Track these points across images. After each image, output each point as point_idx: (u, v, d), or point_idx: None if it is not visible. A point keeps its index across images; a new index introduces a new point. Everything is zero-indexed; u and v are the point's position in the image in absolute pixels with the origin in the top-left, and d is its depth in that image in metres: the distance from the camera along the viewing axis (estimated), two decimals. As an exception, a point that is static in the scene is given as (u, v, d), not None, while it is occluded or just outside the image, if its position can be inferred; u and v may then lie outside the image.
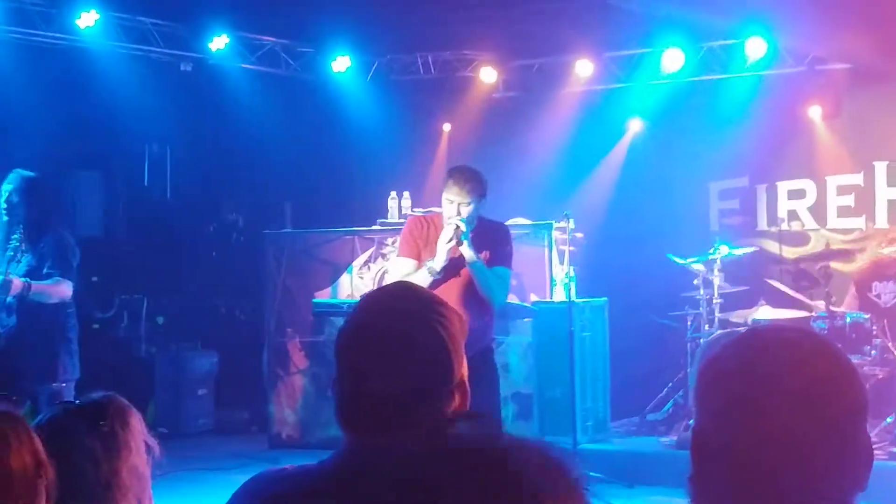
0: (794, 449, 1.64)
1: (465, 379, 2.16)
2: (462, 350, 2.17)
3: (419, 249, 6.25)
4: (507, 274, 6.31)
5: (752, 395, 1.67)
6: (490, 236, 6.28)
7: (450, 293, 6.04)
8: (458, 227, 6.01)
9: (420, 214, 6.67)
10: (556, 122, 11.32)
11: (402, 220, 10.29)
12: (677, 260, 9.55)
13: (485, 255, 6.18)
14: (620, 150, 11.41)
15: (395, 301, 2.16)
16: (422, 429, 2.02)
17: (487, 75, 11.52)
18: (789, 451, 1.64)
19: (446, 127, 11.91)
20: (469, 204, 6.05)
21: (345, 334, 2.14)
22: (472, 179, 6.11)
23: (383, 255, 10.28)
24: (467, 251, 6.06)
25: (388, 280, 6.36)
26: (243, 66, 10.75)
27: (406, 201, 10.49)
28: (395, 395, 2.05)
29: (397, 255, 6.42)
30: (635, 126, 11.38)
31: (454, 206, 6.06)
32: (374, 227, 10.42)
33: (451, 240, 6.01)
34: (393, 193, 10.50)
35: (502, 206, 10.02)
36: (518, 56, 11.55)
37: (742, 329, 1.80)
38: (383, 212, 10.46)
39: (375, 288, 2.30)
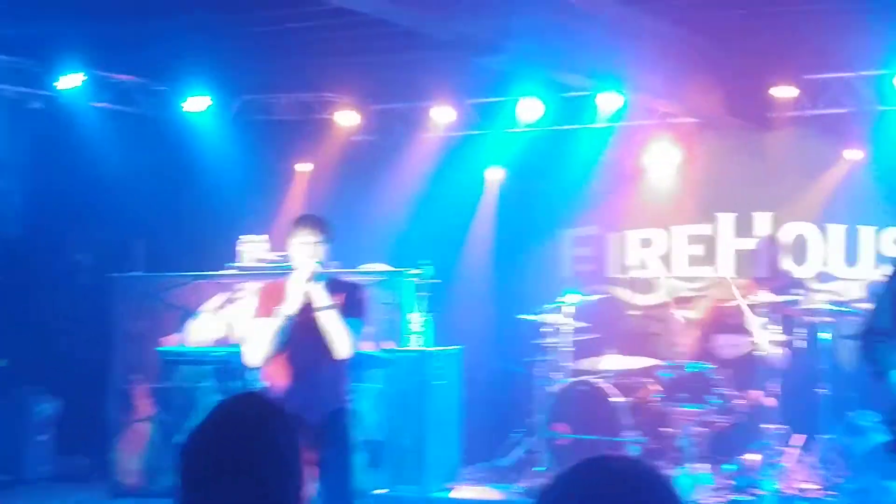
0: None
1: (306, 496, 2.14)
2: (306, 463, 2.14)
3: (274, 310, 6.12)
4: (360, 325, 6.22)
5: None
6: (343, 289, 6.25)
7: (304, 345, 6.06)
8: (312, 270, 5.99)
9: (272, 280, 6.57)
10: (415, 167, 11.36)
11: (256, 265, 10.21)
12: (527, 317, 9.68)
13: (338, 301, 6.12)
14: (478, 196, 11.49)
15: (239, 414, 2.13)
16: None
17: (347, 118, 11.52)
18: None
19: (300, 167, 11.83)
20: (320, 243, 6.08)
21: (188, 444, 2.11)
22: (318, 220, 6.22)
23: (235, 300, 10.16)
24: (320, 294, 6.02)
25: (246, 344, 6.22)
26: (94, 104, 10.53)
27: (263, 244, 10.38)
28: None
29: (254, 318, 6.29)
30: (494, 173, 11.48)
31: (306, 248, 6.07)
32: (226, 272, 10.29)
33: (303, 282, 5.97)
34: (247, 236, 10.38)
35: (360, 252, 10.05)
36: (378, 100, 11.58)
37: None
38: (237, 255, 10.33)
39: (229, 398, 2.24)
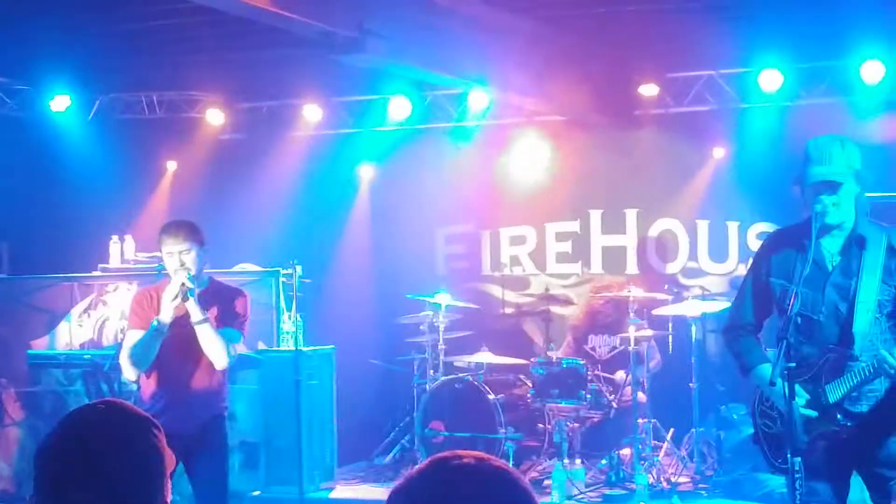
0: None
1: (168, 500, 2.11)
2: (168, 469, 2.11)
3: (149, 320, 5.96)
4: (236, 336, 6.06)
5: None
6: (222, 297, 6.11)
7: (179, 355, 5.93)
8: (183, 283, 5.81)
9: (145, 287, 6.41)
10: (285, 165, 11.28)
11: (124, 265, 10.04)
12: (402, 319, 9.73)
13: (213, 313, 5.99)
14: (350, 195, 11.46)
15: (97, 420, 2.09)
16: None
17: (214, 117, 11.37)
18: None
19: (170, 165, 11.65)
20: (189, 251, 5.89)
21: (43, 450, 2.07)
22: (184, 227, 5.99)
23: (104, 302, 9.96)
24: (193, 308, 5.85)
25: (123, 355, 6.06)
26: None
27: (129, 245, 10.22)
28: None
29: (128, 329, 6.15)
30: (366, 172, 11.46)
31: (175, 258, 5.89)
32: (94, 273, 10.08)
33: (175, 297, 5.81)
34: (115, 237, 10.20)
35: (230, 252, 9.93)
36: (246, 98, 11.46)
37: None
38: (104, 257, 10.15)
39: (86, 404, 2.20)
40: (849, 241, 4.55)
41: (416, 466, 1.88)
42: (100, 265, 10.13)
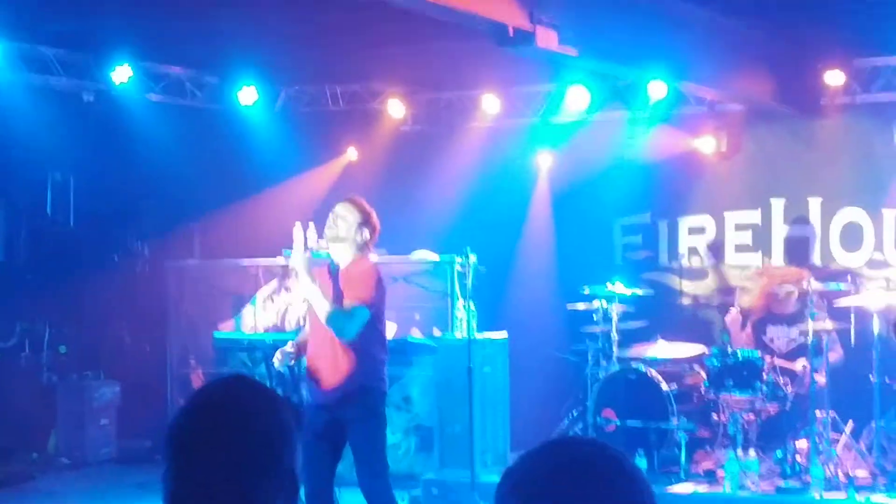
0: None
1: (295, 470, 2.21)
2: (295, 440, 2.21)
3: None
4: (359, 311, 6.26)
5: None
6: (354, 273, 6.38)
7: (320, 330, 6.29)
8: (296, 263, 6.36)
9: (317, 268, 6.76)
10: (463, 155, 11.42)
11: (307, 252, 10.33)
12: (576, 306, 9.74)
13: (345, 286, 6.30)
14: (525, 184, 11.52)
15: (224, 394, 2.21)
16: None
17: (395, 108, 11.60)
18: None
19: (350, 152, 11.91)
20: (345, 218, 6.42)
21: (174, 426, 2.18)
22: (354, 199, 6.55)
23: (287, 289, 10.29)
24: (304, 280, 6.26)
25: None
26: (147, 95, 10.70)
27: (311, 232, 10.49)
28: (217, 489, 2.09)
29: None
30: (543, 161, 11.50)
31: (331, 217, 6.47)
32: (278, 259, 10.41)
33: (291, 259, 6.42)
34: (298, 224, 10.49)
35: (407, 240, 10.15)
36: (426, 90, 11.65)
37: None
38: (288, 243, 10.44)
39: (210, 381, 2.34)
40: None
41: (532, 448, 1.87)
42: (284, 251, 10.44)
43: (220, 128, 11.26)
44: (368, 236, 6.48)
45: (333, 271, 6.46)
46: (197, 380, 10.29)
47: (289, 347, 6.52)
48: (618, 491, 1.76)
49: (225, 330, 10.25)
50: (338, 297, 6.29)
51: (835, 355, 9.18)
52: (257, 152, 11.35)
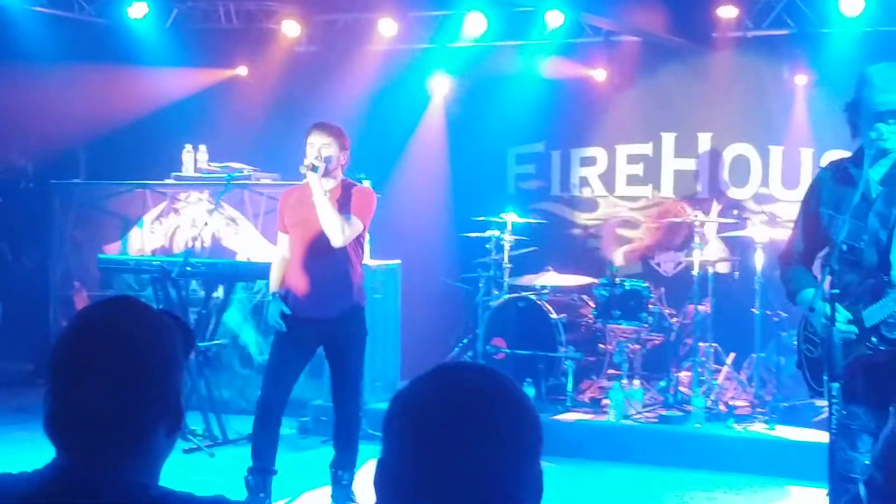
0: (478, 482, 1.73)
1: (180, 396, 2.17)
2: (181, 365, 2.16)
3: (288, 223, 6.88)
4: (354, 222, 6.64)
5: (439, 433, 1.75)
6: (349, 193, 6.75)
7: (313, 246, 6.64)
8: (314, 161, 6.58)
9: (288, 189, 7.25)
10: (359, 79, 11.27)
11: (197, 174, 10.19)
12: (469, 234, 9.79)
13: (337, 201, 6.64)
14: (422, 110, 11.45)
15: (108, 317, 2.15)
16: (128, 445, 2.05)
17: (290, 28, 11.38)
18: (473, 484, 1.73)
19: (241, 70, 11.70)
20: (328, 146, 6.66)
21: (56, 349, 2.13)
22: (331, 126, 6.79)
23: (176, 211, 10.14)
24: (315, 182, 6.56)
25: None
26: (33, 8, 10.33)
27: (202, 154, 10.36)
28: (97, 414, 2.05)
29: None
30: (438, 85, 11.43)
31: (314, 149, 6.66)
32: (167, 181, 10.26)
33: (309, 167, 6.57)
34: (188, 146, 10.34)
35: (300, 162, 10.01)
36: (322, 11, 11.46)
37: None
38: (178, 165, 10.30)
39: (94, 303, 2.27)
40: (892, 170, 4.51)
41: (422, 373, 1.89)
42: (173, 174, 10.29)
43: (110, 43, 10.94)
44: (347, 157, 6.88)
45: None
46: (81, 301, 10.09)
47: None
48: (503, 415, 1.78)
49: (111, 252, 10.06)
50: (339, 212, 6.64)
51: (719, 287, 9.35)
52: (147, 70, 11.05)
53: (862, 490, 1.59)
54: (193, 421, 8.59)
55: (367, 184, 9.21)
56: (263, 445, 6.82)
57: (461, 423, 1.76)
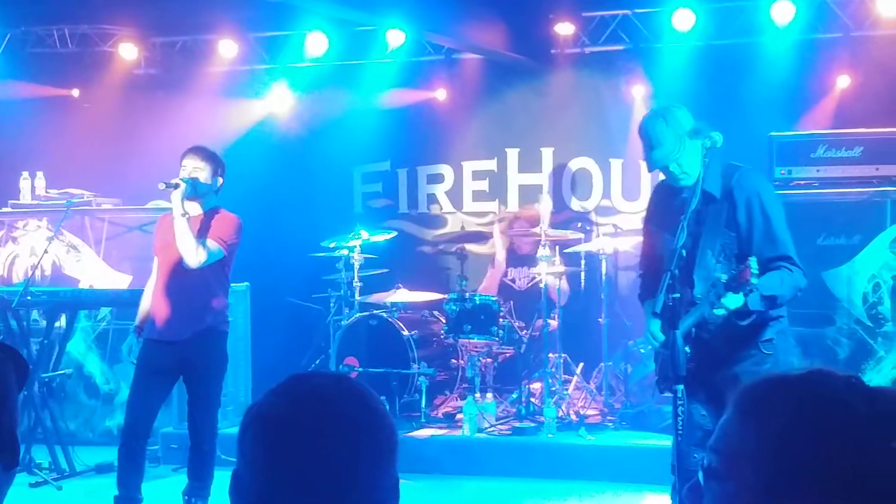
0: (334, 489, 1.73)
1: (15, 429, 2.12)
2: (14, 398, 2.11)
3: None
4: (211, 245, 6.61)
5: (292, 441, 1.74)
6: (220, 217, 6.78)
7: (173, 269, 6.65)
8: (179, 181, 6.54)
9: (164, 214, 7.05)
10: (200, 101, 11.14)
11: (35, 202, 9.92)
12: (318, 254, 9.76)
13: (201, 226, 6.63)
14: (266, 131, 11.36)
15: None
16: None
17: (127, 51, 11.20)
18: (329, 492, 1.73)
19: (74, 92, 11.44)
20: (202, 170, 6.67)
21: None
22: (204, 150, 6.81)
23: (14, 239, 9.85)
24: (176, 202, 6.52)
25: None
26: None
27: (40, 181, 10.09)
28: None
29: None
30: (282, 108, 11.36)
31: (187, 171, 6.66)
32: (4, 210, 9.96)
33: (168, 185, 6.55)
34: (25, 174, 10.07)
35: (142, 188, 9.82)
36: (160, 33, 11.30)
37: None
38: (15, 193, 10.02)
39: None
40: (697, 191, 4.72)
41: (274, 385, 1.90)
42: (10, 201, 10.00)
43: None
44: (221, 183, 6.87)
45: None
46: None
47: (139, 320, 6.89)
48: (358, 421, 1.79)
49: (-53, 283, 9.72)
50: (197, 234, 6.62)
51: (566, 299, 9.54)
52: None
53: (700, 476, 1.64)
54: (39, 454, 8.35)
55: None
56: (128, 473, 6.72)
57: (315, 430, 1.76)
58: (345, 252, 9.70)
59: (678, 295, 4.31)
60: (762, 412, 1.59)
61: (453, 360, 9.33)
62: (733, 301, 4.37)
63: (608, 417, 8.89)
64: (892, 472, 1.49)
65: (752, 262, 4.36)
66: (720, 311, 4.42)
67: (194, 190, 6.63)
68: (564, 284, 9.54)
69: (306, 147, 11.17)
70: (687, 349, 4.66)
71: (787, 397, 1.58)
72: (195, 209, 6.72)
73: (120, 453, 6.75)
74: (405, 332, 9.16)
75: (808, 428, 1.53)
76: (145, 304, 6.90)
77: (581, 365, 9.43)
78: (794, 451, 1.53)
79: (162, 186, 6.63)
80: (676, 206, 4.80)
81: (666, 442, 7.97)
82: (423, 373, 9.01)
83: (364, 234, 9.62)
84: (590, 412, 9.00)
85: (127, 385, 8.40)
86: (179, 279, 6.66)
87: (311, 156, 11.14)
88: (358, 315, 9.45)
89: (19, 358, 2.18)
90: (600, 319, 9.19)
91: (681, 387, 4.19)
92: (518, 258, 10.01)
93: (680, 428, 4.22)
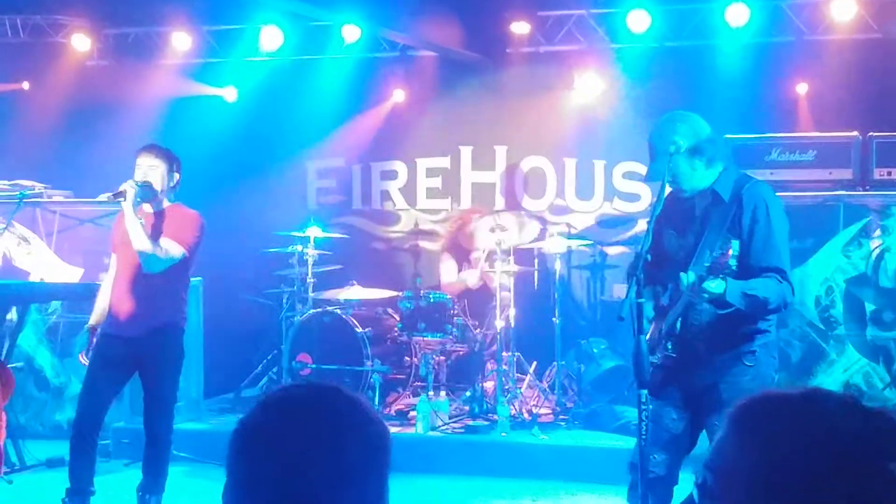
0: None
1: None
2: None
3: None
4: (170, 245, 6.58)
5: (279, 456, 1.75)
6: (175, 216, 6.73)
7: (129, 265, 6.61)
8: (129, 187, 6.48)
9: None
10: (153, 93, 11.06)
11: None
12: (271, 250, 9.73)
13: (163, 227, 6.62)
14: (219, 125, 11.27)
15: None
16: None
17: (80, 42, 11.10)
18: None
19: (24, 85, 11.31)
20: (155, 168, 6.64)
21: None
22: (157, 147, 6.77)
23: (-38, 231, 9.70)
24: (127, 208, 6.49)
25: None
26: None
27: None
28: None
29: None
30: (235, 103, 11.30)
31: (141, 170, 6.63)
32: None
33: (115, 195, 6.51)
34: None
35: (94, 180, 9.73)
36: (113, 24, 11.20)
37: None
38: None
39: None
40: (703, 197, 4.77)
41: (264, 394, 1.92)
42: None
43: None
44: (178, 179, 6.82)
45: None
46: None
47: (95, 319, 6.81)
48: (356, 427, 1.83)
49: None
50: (155, 235, 6.58)
51: (519, 298, 9.56)
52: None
53: (694, 493, 1.67)
54: (-13, 449, 8.25)
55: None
56: (79, 466, 6.67)
57: (297, 443, 1.78)
58: (298, 248, 9.67)
59: (644, 300, 4.34)
60: (757, 432, 1.62)
61: (407, 358, 9.33)
62: (715, 286, 4.43)
63: (561, 416, 8.93)
64: (886, 494, 1.52)
65: (735, 245, 4.44)
66: (703, 296, 4.47)
67: (144, 194, 6.59)
68: (515, 283, 9.55)
69: (260, 142, 11.11)
70: (669, 346, 4.72)
71: (781, 418, 1.61)
72: (155, 207, 6.70)
73: (71, 445, 6.70)
74: (359, 329, 9.14)
75: (801, 450, 1.56)
76: (102, 301, 6.84)
77: (534, 364, 9.47)
78: (787, 473, 1.56)
79: (107, 197, 6.65)
80: (686, 208, 4.92)
81: (619, 442, 8.08)
82: (377, 370, 9.01)
83: (317, 231, 9.60)
84: (542, 411, 9.04)
85: (78, 379, 8.37)
86: (138, 276, 6.63)
87: (265, 151, 11.09)
88: (311, 311, 9.43)
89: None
90: (554, 319, 9.23)
91: (644, 391, 4.23)
92: (468, 256, 10.00)
93: (644, 432, 4.26)
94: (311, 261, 9.61)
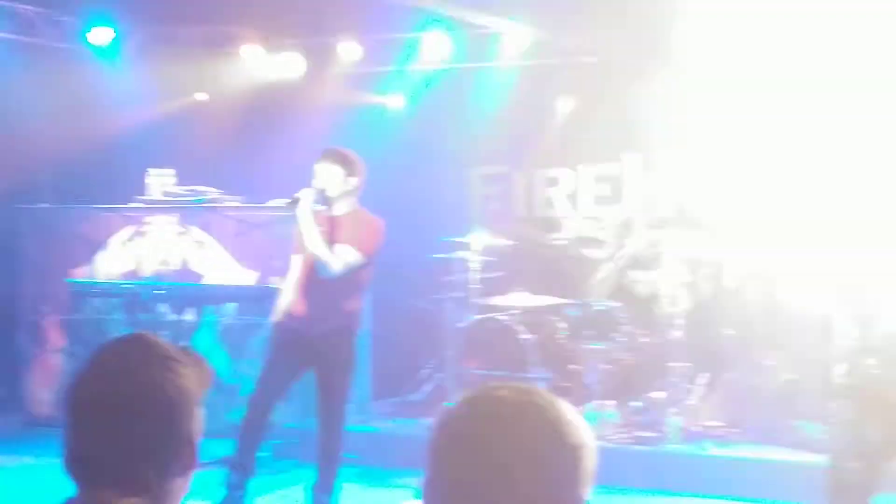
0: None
1: (194, 436, 2.19)
2: (195, 405, 2.18)
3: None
4: (348, 253, 6.80)
5: (483, 457, 1.80)
6: (356, 221, 6.95)
7: (311, 268, 6.84)
8: (303, 194, 6.74)
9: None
10: (320, 102, 11.27)
11: (164, 198, 10.12)
12: (437, 255, 9.81)
13: (343, 232, 6.83)
14: (384, 133, 11.43)
15: (123, 358, 2.17)
16: (142, 484, 2.09)
17: (252, 53, 11.37)
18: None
19: (199, 96, 11.65)
20: (333, 173, 6.85)
21: (72, 389, 2.17)
22: (337, 152, 6.97)
23: (143, 234, 10.07)
24: (303, 215, 6.71)
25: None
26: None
27: (169, 178, 10.28)
28: (111, 454, 2.10)
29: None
30: (401, 110, 11.45)
31: (319, 176, 6.84)
32: (134, 205, 10.18)
33: (291, 202, 6.77)
34: (153, 170, 10.27)
35: (264, 187, 9.97)
36: (284, 36, 11.44)
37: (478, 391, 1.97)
38: (140, 190, 10.24)
39: (110, 341, 2.28)
40: None
41: (462, 398, 1.94)
42: (138, 197, 10.21)
43: (75, 68, 10.80)
44: (357, 183, 6.97)
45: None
46: (50, 326, 9.99)
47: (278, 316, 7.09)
48: (540, 436, 1.83)
49: (78, 276, 9.96)
50: (333, 241, 6.80)
51: (691, 307, 9.41)
52: (112, 95, 10.95)
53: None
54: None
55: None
56: (245, 443, 6.97)
57: (494, 440, 1.82)
58: (463, 254, 9.72)
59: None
60: None
61: (572, 366, 9.29)
62: None
63: (733, 430, 8.73)
64: None
65: None
66: None
67: (319, 200, 6.78)
68: (688, 292, 9.39)
69: (425, 150, 11.21)
70: None
71: None
72: (337, 211, 6.88)
73: (241, 423, 7.00)
74: (523, 336, 9.15)
75: None
76: (284, 299, 7.00)
77: (705, 375, 9.30)
78: None
79: (282, 204, 6.94)
80: None
81: (796, 456, 7.88)
82: (541, 378, 9.00)
83: (481, 237, 9.64)
84: (714, 423, 8.85)
85: (250, 380, 8.56)
86: (317, 279, 6.83)
87: (429, 158, 11.18)
88: (476, 317, 9.48)
89: (202, 363, 2.24)
90: (726, 330, 9.05)
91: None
92: (636, 264, 9.88)
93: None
94: (475, 267, 9.65)
